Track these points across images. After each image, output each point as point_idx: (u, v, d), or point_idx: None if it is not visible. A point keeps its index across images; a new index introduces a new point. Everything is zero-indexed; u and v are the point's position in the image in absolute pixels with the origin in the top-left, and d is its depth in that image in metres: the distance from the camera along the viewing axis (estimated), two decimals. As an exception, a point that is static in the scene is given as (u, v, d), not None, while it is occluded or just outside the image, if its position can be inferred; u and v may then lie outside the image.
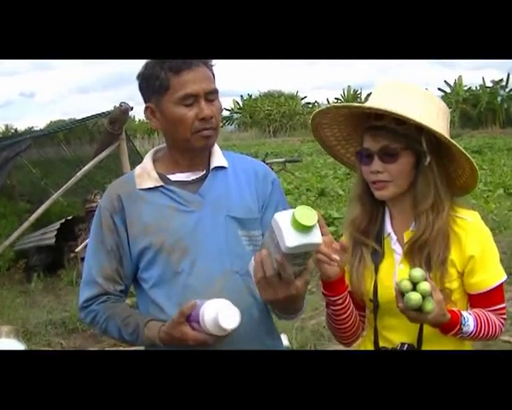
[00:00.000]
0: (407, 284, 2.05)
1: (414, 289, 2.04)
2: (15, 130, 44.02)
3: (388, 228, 2.34)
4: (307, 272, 2.00)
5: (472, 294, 2.29)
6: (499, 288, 2.27)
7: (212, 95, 2.24)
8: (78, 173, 9.51)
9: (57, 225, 9.96)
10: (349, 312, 2.35)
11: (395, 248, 2.32)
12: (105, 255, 2.33)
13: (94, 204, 10.10)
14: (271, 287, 1.99)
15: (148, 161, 2.39)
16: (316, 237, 1.90)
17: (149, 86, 2.26)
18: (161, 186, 2.31)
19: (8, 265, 9.63)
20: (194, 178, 2.34)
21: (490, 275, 2.26)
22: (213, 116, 2.23)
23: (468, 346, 2.36)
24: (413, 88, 2.27)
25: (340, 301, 2.31)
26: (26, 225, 9.65)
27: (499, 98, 47.97)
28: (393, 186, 2.24)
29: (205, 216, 2.28)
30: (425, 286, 2.03)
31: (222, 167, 2.37)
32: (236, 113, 60.75)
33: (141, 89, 2.31)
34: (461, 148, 2.18)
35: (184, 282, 2.24)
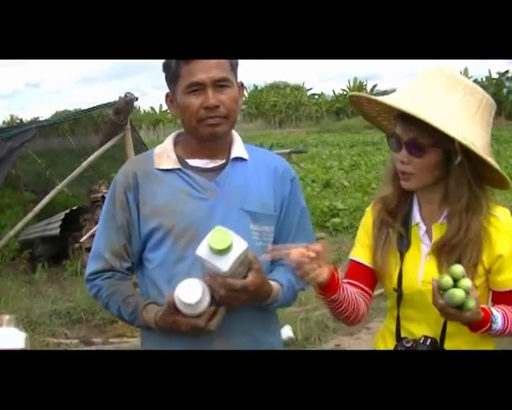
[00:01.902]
0: (449, 280, 2.00)
1: (454, 285, 2.00)
2: (21, 120, 43.98)
3: (417, 217, 2.30)
4: (253, 262, 2.12)
5: (497, 291, 2.24)
6: None
7: (222, 83, 2.23)
8: (83, 164, 9.52)
9: (62, 215, 9.98)
10: (347, 302, 2.28)
11: (423, 239, 2.28)
12: (114, 231, 2.34)
13: (99, 194, 10.13)
14: (232, 298, 2.11)
15: (169, 142, 2.40)
16: (239, 246, 2.04)
17: (166, 76, 2.30)
18: (179, 169, 2.31)
19: (12, 255, 9.63)
20: (212, 165, 2.34)
21: None
22: (220, 105, 2.22)
23: (488, 341, 2.29)
24: (453, 82, 2.18)
25: (337, 297, 2.23)
26: (30, 215, 9.66)
27: (505, 90, 47.97)
28: (416, 179, 2.21)
29: (218, 205, 2.28)
30: (467, 283, 2.00)
31: (242, 159, 2.37)
32: (242, 103, 60.68)
33: (165, 78, 2.35)
34: (489, 159, 2.10)
35: (188, 268, 2.24)
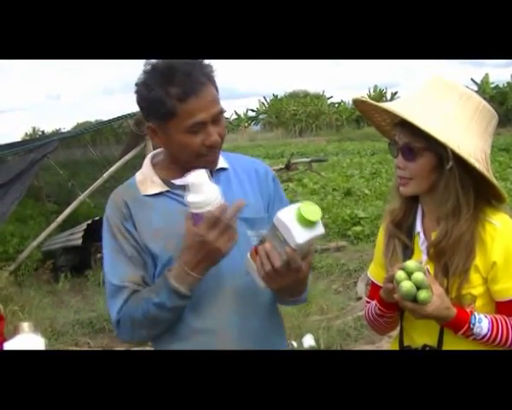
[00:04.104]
0: (401, 274, 2.08)
1: (409, 279, 2.07)
2: (43, 132, 44.27)
3: (418, 226, 2.32)
4: (310, 254, 2.09)
5: (497, 301, 2.22)
6: None
7: (218, 116, 2.19)
8: (104, 174, 9.59)
9: (84, 225, 10.02)
10: (395, 320, 2.41)
11: (422, 248, 2.30)
12: (126, 263, 2.23)
13: (120, 205, 10.15)
14: (280, 276, 2.03)
15: (147, 166, 2.34)
16: (320, 228, 2.01)
17: (152, 110, 2.18)
18: (167, 191, 2.27)
19: (35, 265, 9.66)
20: None
21: None
22: (219, 139, 2.19)
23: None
24: (449, 88, 2.19)
25: (392, 316, 2.37)
26: (53, 226, 9.75)
27: (527, 96, 47.61)
28: (413, 184, 2.22)
29: None
30: (419, 276, 2.05)
31: (223, 169, 2.34)
32: (262, 113, 60.65)
33: (140, 106, 2.24)
34: (476, 164, 2.09)
35: (201, 285, 2.19)
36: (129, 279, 2.22)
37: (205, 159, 2.20)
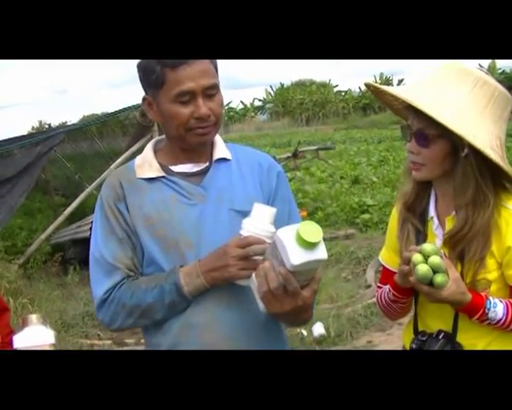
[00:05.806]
0: (418, 257, 2.07)
1: (426, 263, 2.06)
2: (49, 125, 44.24)
3: (432, 211, 2.31)
4: (314, 281, 1.94)
5: (511, 286, 2.21)
6: None
7: (211, 90, 2.15)
8: (111, 166, 9.59)
9: (92, 217, 10.01)
10: (408, 305, 2.42)
11: (437, 232, 2.29)
12: (117, 244, 2.21)
13: (128, 196, 10.18)
14: (277, 300, 1.92)
15: (148, 151, 2.32)
16: (321, 252, 1.85)
17: (145, 79, 2.20)
18: (163, 177, 2.24)
19: (44, 258, 9.68)
20: (196, 169, 2.27)
21: None
22: (211, 114, 2.15)
23: (506, 337, 2.24)
24: (464, 74, 2.16)
25: (406, 301, 2.37)
26: (61, 218, 9.78)
27: (534, 80, 47.47)
28: (426, 170, 2.21)
29: (208, 209, 2.21)
30: (436, 260, 2.04)
31: (225, 159, 2.30)
32: (269, 102, 60.58)
33: (139, 79, 2.24)
34: (492, 155, 2.07)
35: None
36: (121, 261, 2.20)
37: (195, 132, 2.17)
